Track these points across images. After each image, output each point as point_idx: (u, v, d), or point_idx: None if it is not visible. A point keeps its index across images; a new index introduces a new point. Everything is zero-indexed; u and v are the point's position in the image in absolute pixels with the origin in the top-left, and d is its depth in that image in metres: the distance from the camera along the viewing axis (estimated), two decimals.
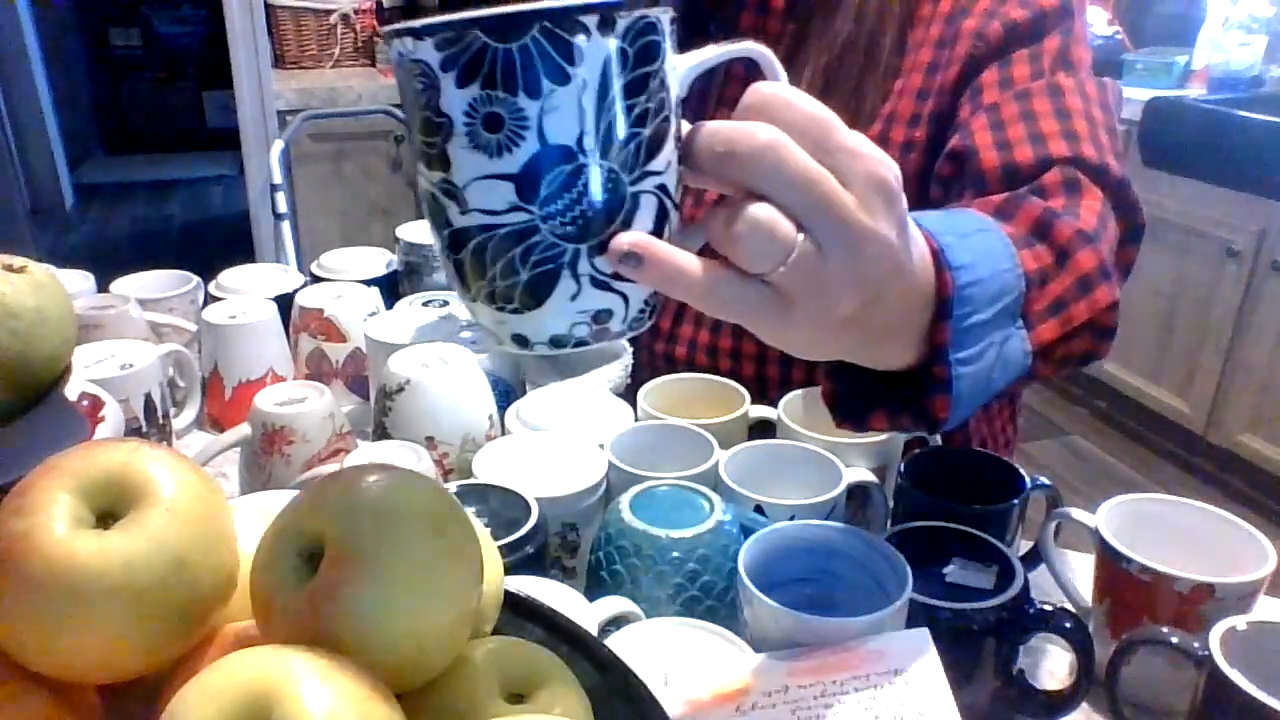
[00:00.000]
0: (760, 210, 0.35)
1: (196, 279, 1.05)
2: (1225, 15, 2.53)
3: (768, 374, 0.84)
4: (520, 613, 0.43)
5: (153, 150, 5.60)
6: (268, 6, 2.80)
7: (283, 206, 2.00)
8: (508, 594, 0.42)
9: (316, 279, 1.05)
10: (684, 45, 0.38)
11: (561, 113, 0.34)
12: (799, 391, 0.76)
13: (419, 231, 1.06)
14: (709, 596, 0.58)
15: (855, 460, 0.69)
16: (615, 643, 0.52)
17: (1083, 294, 0.55)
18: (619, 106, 0.35)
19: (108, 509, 0.35)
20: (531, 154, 0.34)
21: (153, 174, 5.33)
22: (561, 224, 0.35)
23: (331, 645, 0.32)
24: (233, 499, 0.69)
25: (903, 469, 0.68)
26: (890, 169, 0.37)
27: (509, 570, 0.46)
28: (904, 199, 0.38)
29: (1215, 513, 0.62)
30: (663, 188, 0.37)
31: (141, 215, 4.87)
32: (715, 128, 0.36)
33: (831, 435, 0.70)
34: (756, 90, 0.37)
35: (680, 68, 0.38)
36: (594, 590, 0.59)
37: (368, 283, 1.00)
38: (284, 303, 0.94)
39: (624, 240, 0.36)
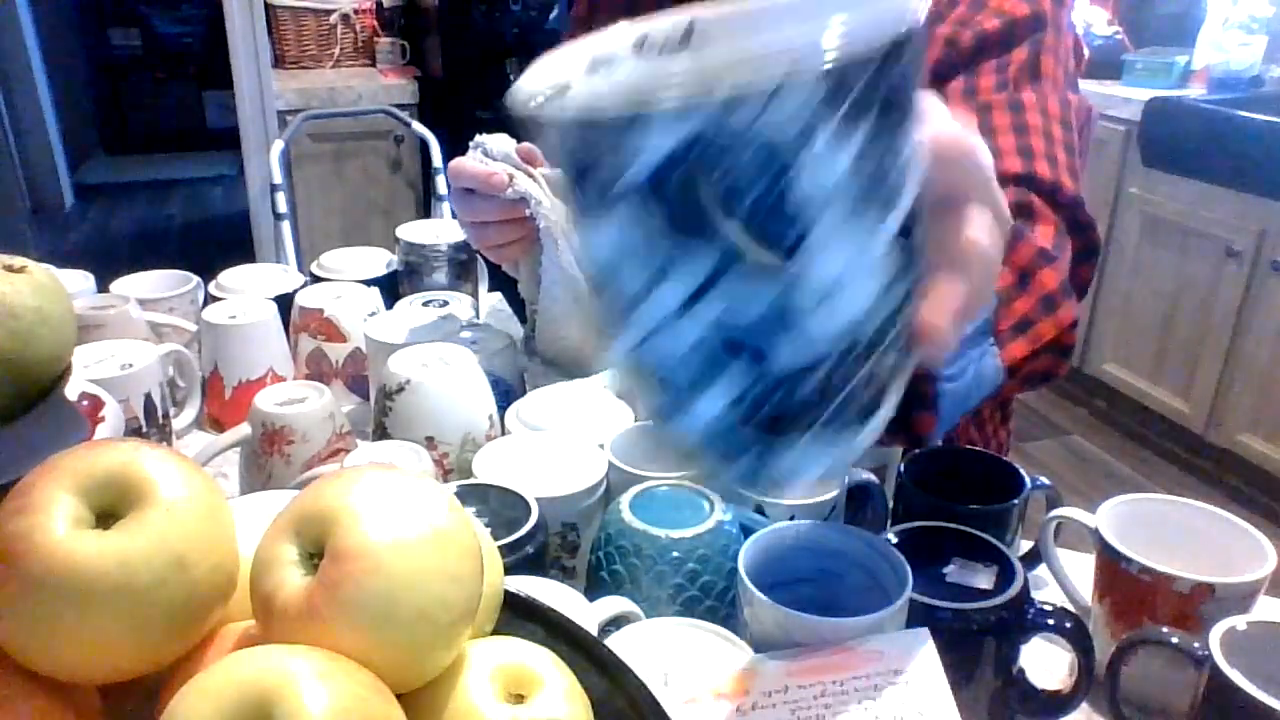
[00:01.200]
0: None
1: (196, 279, 1.05)
2: (1225, 15, 2.53)
3: None
4: (520, 613, 0.43)
5: (153, 150, 5.60)
6: (268, 6, 2.80)
7: (283, 206, 2.00)
8: (508, 594, 0.42)
9: (316, 279, 1.05)
10: None
11: (820, 159, 0.26)
12: None
13: (419, 231, 1.05)
14: (709, 596, 0.58)
15: (855, 461, 0.69)
16: (615, 643, 0.52)
17: (1047, 312, 0.56)
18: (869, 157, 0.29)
19: (108, 509, 0.35)
20: (716, 263, 0.26)
21: (153, 174, 5.33)
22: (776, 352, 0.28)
23: (331, 645, 0.32)
24: (233, 499, 0.69)
25: (903, 469, 0.68)
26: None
27: (509, 570, 0.46)
28: None
29: (1215, 513, 0.62)
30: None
31: (141, 215, 4.87)
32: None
33: None
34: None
35: None
36: (594, 590, 0.59)
37: (368, 283, 1.00)
38: (284, 303, 0.94)
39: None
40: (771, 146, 0.24)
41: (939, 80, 0.72)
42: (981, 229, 0.35)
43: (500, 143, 0.81)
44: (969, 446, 0.84)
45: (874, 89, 0.25)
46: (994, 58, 0.71)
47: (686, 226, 0.25)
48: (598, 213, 0.26)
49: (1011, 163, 0.66)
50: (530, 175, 0.80)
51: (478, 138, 0.82)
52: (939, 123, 0.35)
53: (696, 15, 0.33)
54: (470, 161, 0.79)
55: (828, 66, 0.24)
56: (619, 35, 0.33)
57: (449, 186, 0.82)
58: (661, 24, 0.33)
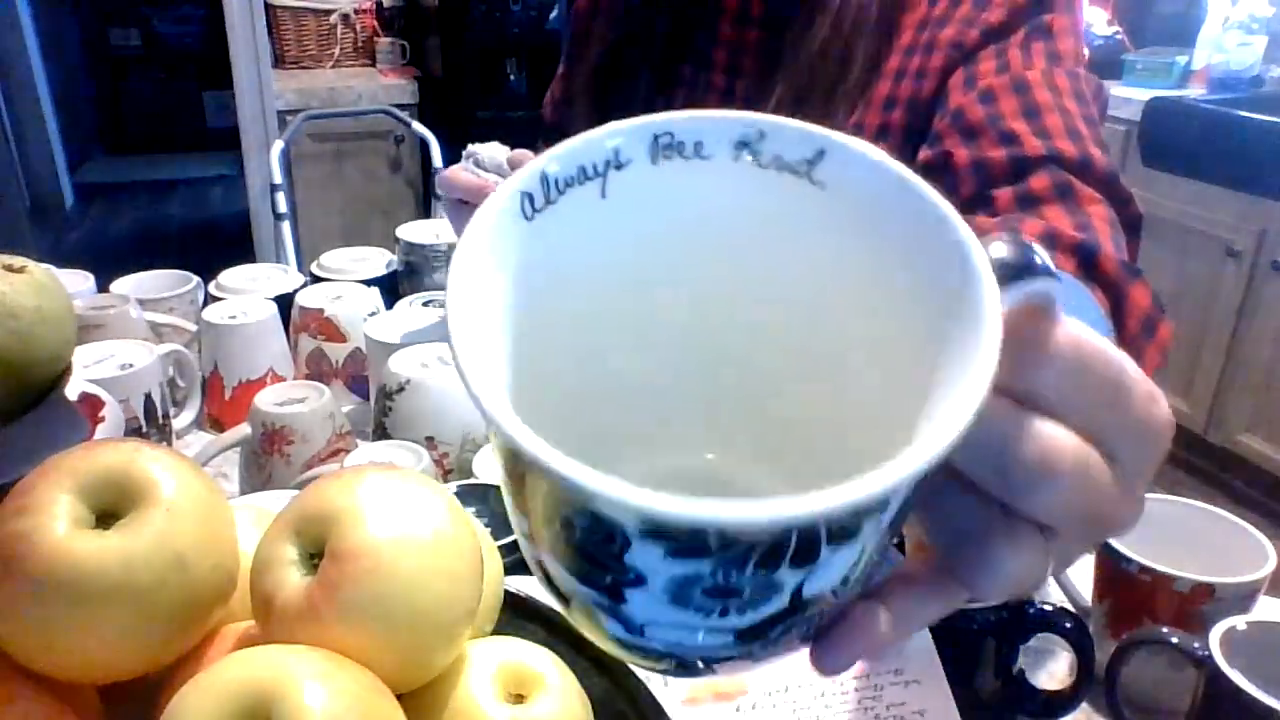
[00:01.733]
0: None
1: (196, 279, 1.05)
2: (1225, 15, 2.53)
3: None
4: (520, 613, 0.43)
5: (153, 150, 5.60)
6: (268, 6, 2.80)
7: (283, 206, 2.00)
8: (508, 594, 0.42)
9: (316, 279, 1.05)
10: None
11: (833, 568, 0.25)
12: None
13: (419, 231, 1.06)
14: None
15: None
16: None
17: (1148, 339, 0.53)
18: (896, 525, 0.26)
19: (108, 509, 0.35)
20: (771, 613, 0.25)
21: (153, 174, 5.33)
22: (767, 649, 0.27)
23: (331, 645, 0.32)
24: (233, 499, 0.69)
25: None
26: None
27: (509, 570, 0.46)
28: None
29: (1215, 513, 0.62)
30: None
31: (141, 215, 4.87)
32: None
33: None
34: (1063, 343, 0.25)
35: None
36: None
37: (368, 283, 1.00)
38: (284, 303, 0.94)
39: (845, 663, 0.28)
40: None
41: (944, 84, 0.70)
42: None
43: (492, 151, 0.79)
44: None
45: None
46: (992, 44, 0.69)
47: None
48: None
49: (1032, 145, 0.62)
50: None
51: (470, 147, 0.80)
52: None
53: None
54: (461, 173, 0.77)
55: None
56: None
57: (440, 196, 0.81)
58: None
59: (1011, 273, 0.24)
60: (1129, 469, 0.26)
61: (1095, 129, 0.65)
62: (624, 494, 0.20)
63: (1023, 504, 0.25)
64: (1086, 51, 0.73)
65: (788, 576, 0.24)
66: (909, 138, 0.72)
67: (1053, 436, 0.24)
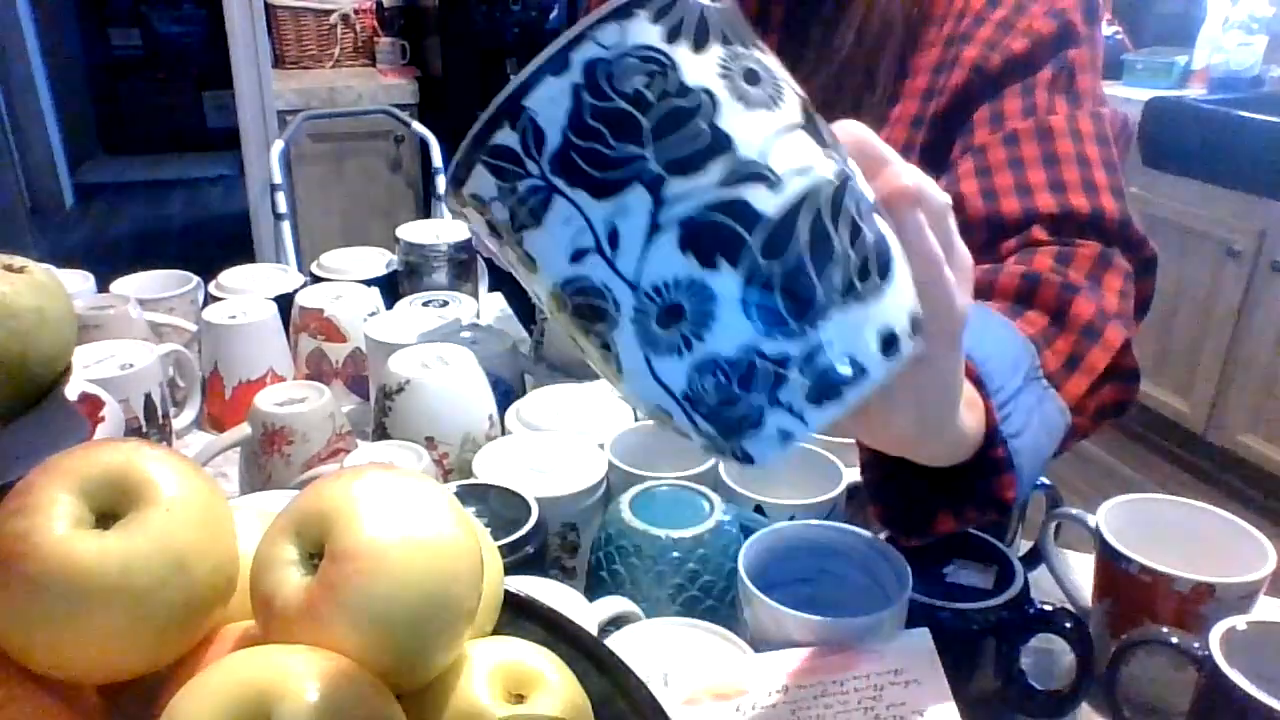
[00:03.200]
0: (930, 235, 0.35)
1: (196, 279, 1.05)
2: (1225, 15, 2.53)
3: None
4: (520, 613, 0.43)
5: (153, 150, 5.60)
6: (268, 6, 2.80)
7: (283, 206, 2.00)
8: (508, 594, 0.42)
9: (316, 279, 1.05)
10: None
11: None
12: None
13: (419, 231, 1.05)
14: (709, 596, 0.58)
15: (855, 460, 0.69)
16: (615, 643, 0.52)
17: (1093, 341, 0.54)
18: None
19: (108, 509, 0.35)
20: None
21: (153, 174, 5.33)
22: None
23: (331, 645, 0.32)
24: (233, 499, 0.69)
25: None
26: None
27: (509, 570, 0.46)
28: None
29: (1215, 513, 0.62)
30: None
31: (141, 215, 4.87)
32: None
33: (831, 435, 0.70)
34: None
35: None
36: (594, 590, 0.59)
37: (368, 283, 1.00)
38: (284, 303, 0.94)
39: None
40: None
41: (965, 108, 0.70)
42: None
43: None
44: None
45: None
46: (1019, 80, 0.68)
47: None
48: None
49: (1044, 200, 0.63)
50: None
51: None
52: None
53: None
54: None
55: None
56: None
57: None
58: None
59: None
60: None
61: (1114, 175, 0.66)
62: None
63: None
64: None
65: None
66: (927, 154, 0.72)
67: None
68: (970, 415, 0.42)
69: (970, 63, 0.70)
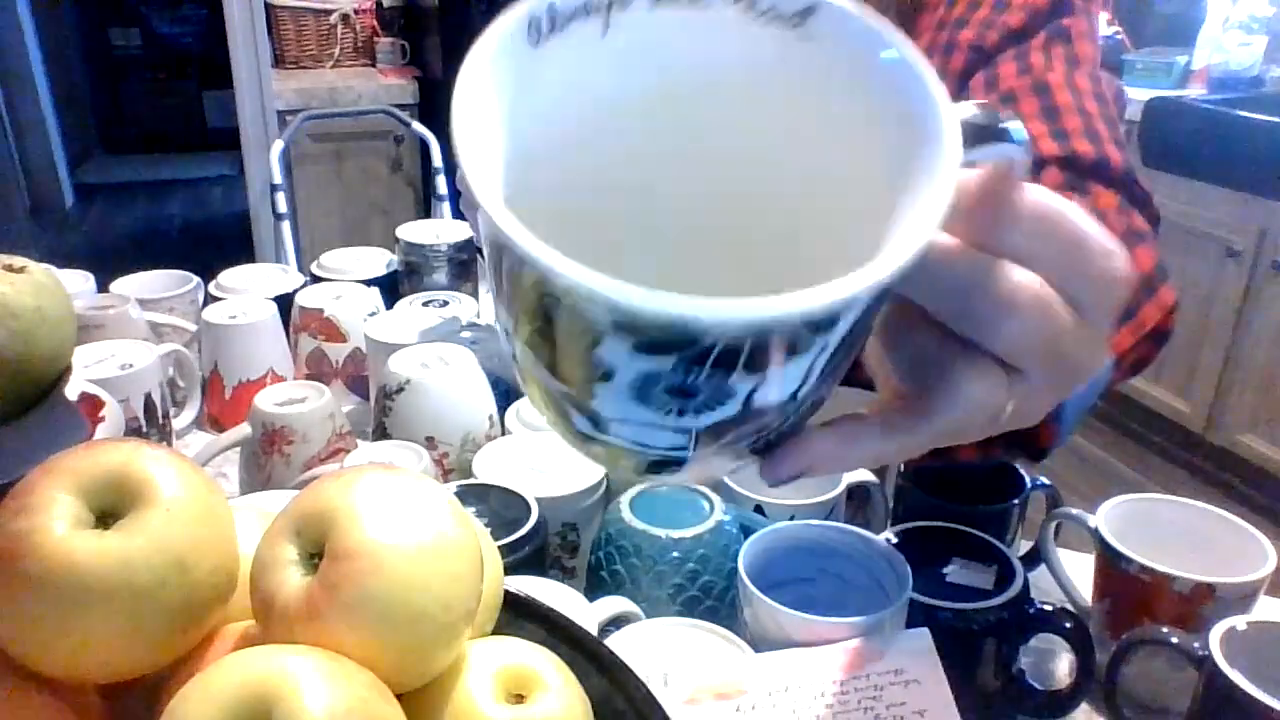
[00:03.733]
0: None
1: (196, 279, 1.05)
2: (1225, 15, 2.53)
3: None
4: (520, 613, 0.43)
5: (153, 150, 5.59)
6: (268, 6, 2.80)
7: (283, 206, 2.00)
8: (508, 594, 0.42)
9: (316, 279, 1.05)
10: None
11: (782, 380, 0.26)
12: None
13: (419, 231, 1.06)
14: (709, 596, 0.58)
15: None
16: (615, 643, 0.52)
17: (1148, 296, 0.53)
18: (848, 348, 0.27)
19: (108, 509, 0.35)
20: (724, 417, 0.27)
21: (153, 174, 5.32)
22: (720, 455, 0.29)
23: (331, 645, 0.32)
24: (233, 499, 0.69)
25: (903, 469, 0.68)
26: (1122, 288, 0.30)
27: (509, 570, 0.46)
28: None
29: (1215, 513, 0.62)
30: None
31: (141, 215, 4.87)
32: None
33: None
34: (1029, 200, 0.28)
35: None
36: (594, 590, 0.59)
37: (368, 283, 1.00)
38: (284, 303, 0.94)
39: (789, 473, 0.30)
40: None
41: (965, 86, 0.70)
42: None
43: None
44: None
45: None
46: (1013, 47, 0.69)
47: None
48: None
49: (1048, 145, 0.62)
50: None
51: None
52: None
53: None
54: None
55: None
56: None
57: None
58: None
59: (980, 134, 0.27)
60: (1090, 315, 0.28)
61: (1114, 129, 0.65)
62: (600, 284, 0.22)
63: (986, 336, 0.27)
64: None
65: (740, 382, 0.26)
66: None
67: (1016, 274, 0.27)
68: None
69: (966, 44, 0.70)
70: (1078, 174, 0.61)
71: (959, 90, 0.71)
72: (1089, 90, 0.66)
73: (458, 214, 1.58)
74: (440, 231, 1.05)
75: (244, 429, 0.74)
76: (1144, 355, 0.56)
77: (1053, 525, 0.66)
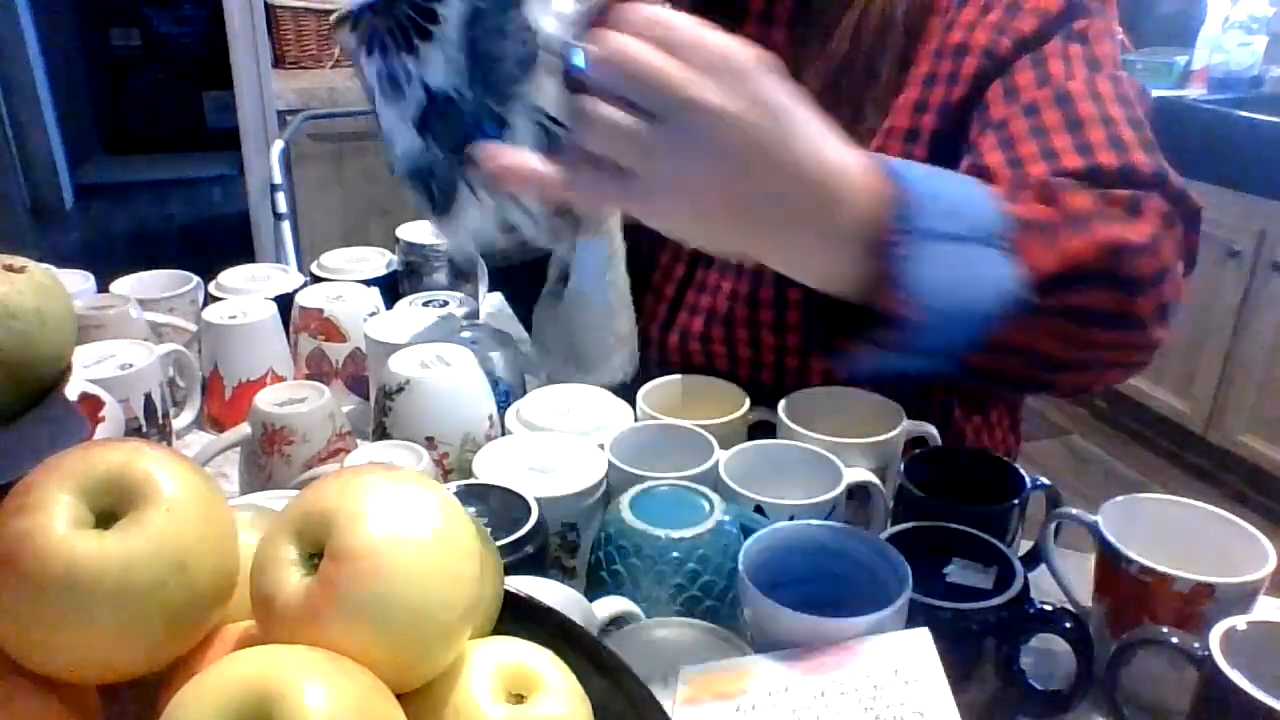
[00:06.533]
0: (600, 106, 0.42)
1: (196, 279, 1.05)
2: (1225, 15, 2.52)
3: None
4: (520, 613, 0.43)
5: (153, 150, 5.59)
6: (268, 6, 2.80)
7: (283, 206, 2.00)
8: (508, 594, 0.42)
9: (316, 279, 1.05)
10: None
11: (433, 65, 0.43)
12: (799, 392, 0.76)
13: (419, 231, 1.06)
14: (709, 596, 0.58)
15: (855, 460, 0.69)
16: (615, 643, 0.52)
17: (1075, 228, 0.53)
18: (483, 50, 0.43)
19: (108, 509, 0.35)
20: (418, 103, 0.43)
21: (153, 174, 5.32)
22: (453, 152, 0.43)
23: (331, 645, 0.32)
24: (233, 499, 0.69)
25: (903, 469, 0.68)
26: (740, 50, 0.42)
27: (509, 570, 0.46)
28: (769, 78, 0.43)
29: (1215, 513, 0.62)
30: (537, 109, 0.44)
31: (141, 215, 4.87)
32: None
33: (831, 435, 0.70)
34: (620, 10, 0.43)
35: (558, 6, 0.45)
36: (594, 590, 0.59)
37: (368, 283, 1.00)
38: (284, 303, 0.94)
39: (477, 153, 0.42)
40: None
41: (980, 92, 0.69)
42: (593, 117, 0.42)
43: None
44: (969, 447, 0.84)
45: None
46: (1029, 53, 0.68)
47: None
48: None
49: (1071, 160, 0.62)
50: None
51: None
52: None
53: None
54: None
55: None
56: None
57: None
58: None
59: None
60: (686, 56, 0.41)
61: (1142, 131, 0.65)
62: None
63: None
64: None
65: (409, 62, 0.43)
66: (939, 142, 0.72)
67: (596, 103, 0.42)
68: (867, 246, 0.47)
69: (980, 48, 0.70)
70: (1103, 185, 0.60)
71: (970, 94, 0.71)
72: (1111, 95, 0.66)
73: None
74: None
75: (244, 429, 0.74)
76: (1105, 305, 0.55)
77: (1053, 525, 0.66)
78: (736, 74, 0.42)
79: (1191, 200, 0.63)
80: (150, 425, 0.81)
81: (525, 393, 0.84)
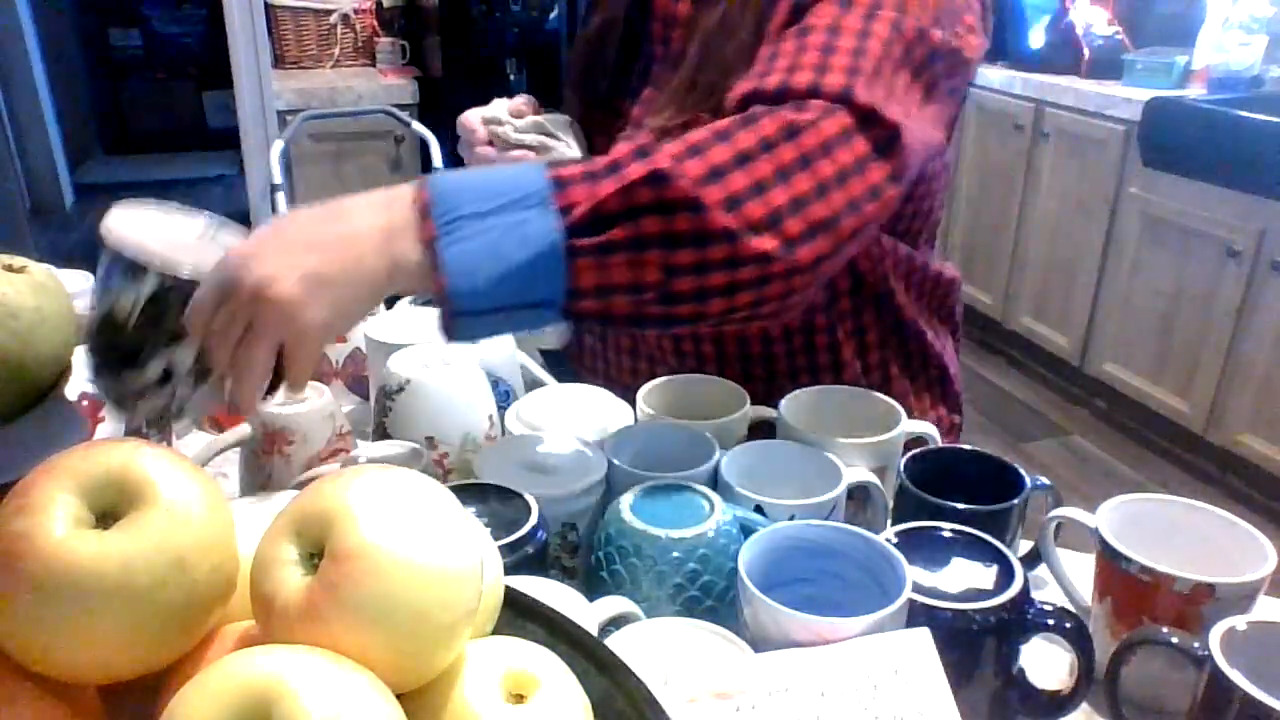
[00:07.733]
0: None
1: None
2: (1225, 15, 2.52)
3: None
4: (520, 613, 0.43)
5: (153, 150, 5.59)
6: (268, 6, 2.80)
7: (283, 206, 2.00)
8: (508, 594, 0.42)
9: None
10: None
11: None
12: (799, 391, 0.76)
13: None
14: (709, 596, 0.58)
15: (855, 460, 0.69)
16: (615, 643, 0.52)
17: (610, 172, 0.58)
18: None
19: (108, 509, 0.35)
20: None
21: (153, 174, 5.32)
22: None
23: (331, 645, 0.32)
24: (233, 499, 0.69)
25: (903, 469, 0.68)
26: (222, 265, 0.61)
27: (509, 570, 0.46)
28: (254, 252, 0.60)
29: (1215, 513, 0.62)
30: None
31: None
32: None
33: (831, 435, 0.70)
34: None
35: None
36: (594, 590, 0.59)
37: None
38: None
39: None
40: None
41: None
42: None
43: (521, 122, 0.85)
44: (969, 447, 0.84)
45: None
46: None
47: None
48: None
49: (774, 80, 0.66)
50: (552, 136, 0.85)
51: (495, 105, 0.86)
52: None
53: None
54: (484, 136, 0.84)
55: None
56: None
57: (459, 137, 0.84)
58: None
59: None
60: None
61: (859, 58, 0.66)
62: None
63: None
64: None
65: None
66: None
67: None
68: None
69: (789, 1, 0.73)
70: (790, 101, 0.64)
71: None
72: (856, 30, 0.68)
73: None
74: None
75: (244, 429, 0.74)
76: (662, 229, 0.58)
77: (1053, 525, 0.66)
78: (232, 278, 0.57)
79: (885, 124, 0.64)
80: (150, 425, 0.81)
81: (525, 393, 0.84)
